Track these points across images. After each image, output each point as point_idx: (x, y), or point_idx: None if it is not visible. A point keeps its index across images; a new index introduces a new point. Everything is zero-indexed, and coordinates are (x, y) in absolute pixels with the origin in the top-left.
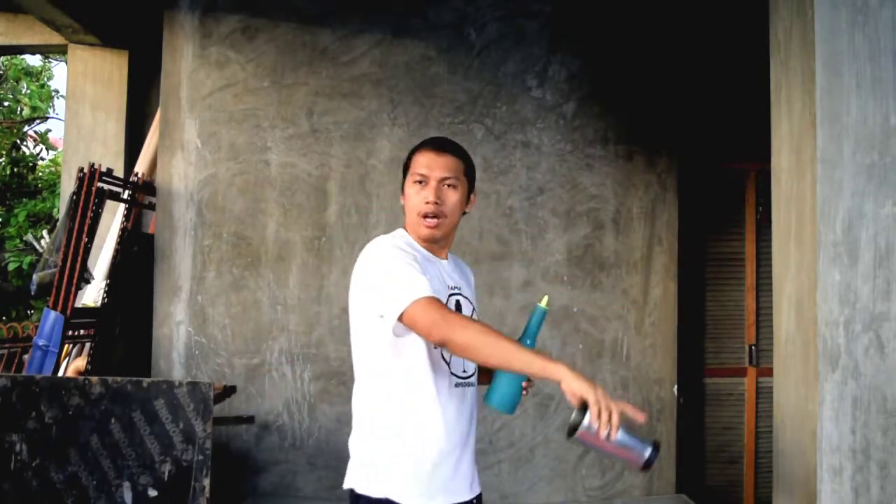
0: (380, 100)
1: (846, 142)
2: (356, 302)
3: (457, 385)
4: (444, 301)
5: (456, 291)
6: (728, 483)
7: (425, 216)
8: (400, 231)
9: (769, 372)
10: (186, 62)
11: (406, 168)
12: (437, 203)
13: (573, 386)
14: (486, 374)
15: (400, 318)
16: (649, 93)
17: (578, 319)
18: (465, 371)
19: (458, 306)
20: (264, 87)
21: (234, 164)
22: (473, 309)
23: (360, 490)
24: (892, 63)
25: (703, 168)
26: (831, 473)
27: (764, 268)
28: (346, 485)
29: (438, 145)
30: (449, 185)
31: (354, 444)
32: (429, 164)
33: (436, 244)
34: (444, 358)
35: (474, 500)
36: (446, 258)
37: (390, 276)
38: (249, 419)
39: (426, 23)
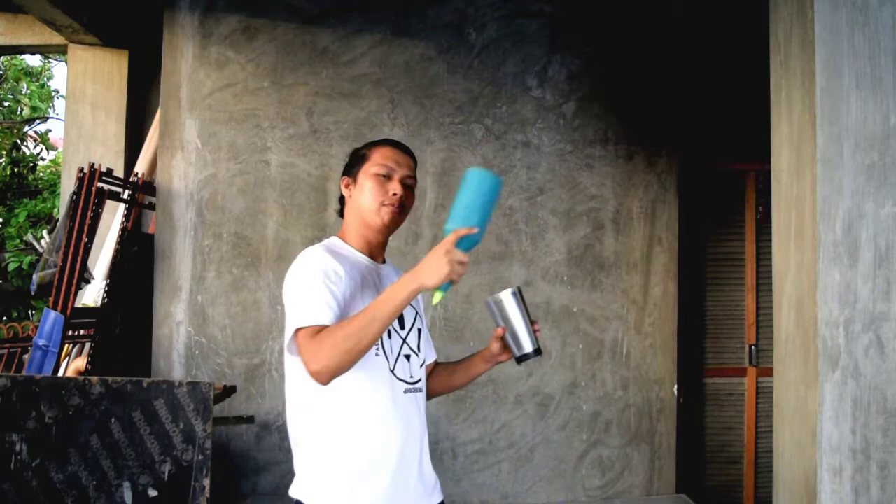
0: (380, 100)
1: (846, 142)
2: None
3: (406, 391)
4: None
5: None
6: (728, 483)
7: (391, 204)
8: (333, 240)
9: (769, 372)
10: (186, 62)
11: (359, 159)
12: (402, 196)
13: (428, 278)
14: (452, 377)
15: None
16: (649, 93)
17: (578, 319)
18: (411, 377)
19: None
20: (264, 87)
21: (234, 164)
22: (417, 314)
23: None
24: (892, 63)
25: (703, 168)
26: (831, 473)
27: (764, 268)
28: (294, 494)
29: (402, 146)
30: (409, 186)
31: (303, 459)
32: (396, 160)
33: (382, 239)
34: (389, 367)
35: None
36: (384, 262)
37: (299, 296)
38: (249, 419)
39: (426, 23)
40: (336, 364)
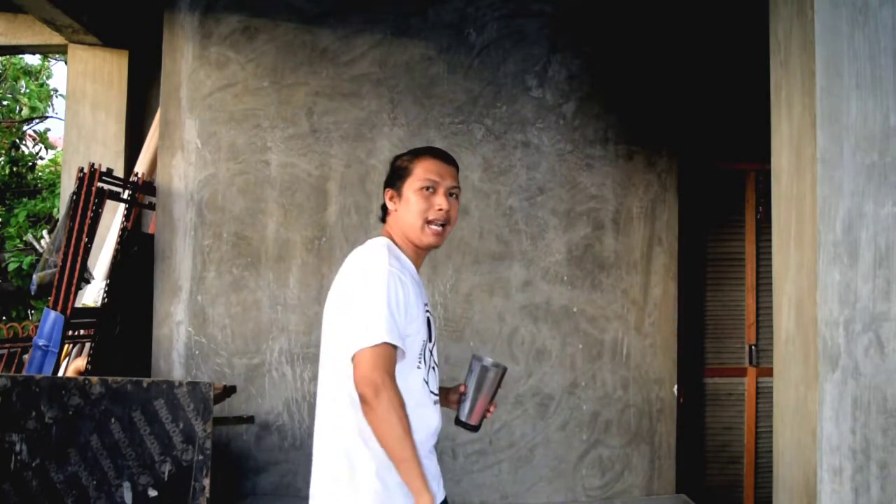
0: (380, 100)
1: (846, 142)
2: (341, 316)
3: (434, 403)
4: (422, 321)
5: (427, 309)
6: (728, 483)
7: (435, 223)
8: (386, 242)
9: (769, 372)
10: (186, 62)
11: (402, 172)
12: (448, 210)
13: None
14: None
15: (358, 386)
16: (649, 93)
17: (578, 319)
18: (433, 392)
19: (429, 324)
20: (264, 87)
21: (234, 164)
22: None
23: None
24: (892, 63)
25: (703, 168)
26: (831, 473)
27: (764, 268)
28: None
29: (444, 156)
30: (453, 195)
31: (357, 469)
32: (439, 172)
33: (424, 254)
34: (424, 379)
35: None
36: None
37: (369, 305)
38: (249, 419)
39: (426, 23)
40: (378, 414)
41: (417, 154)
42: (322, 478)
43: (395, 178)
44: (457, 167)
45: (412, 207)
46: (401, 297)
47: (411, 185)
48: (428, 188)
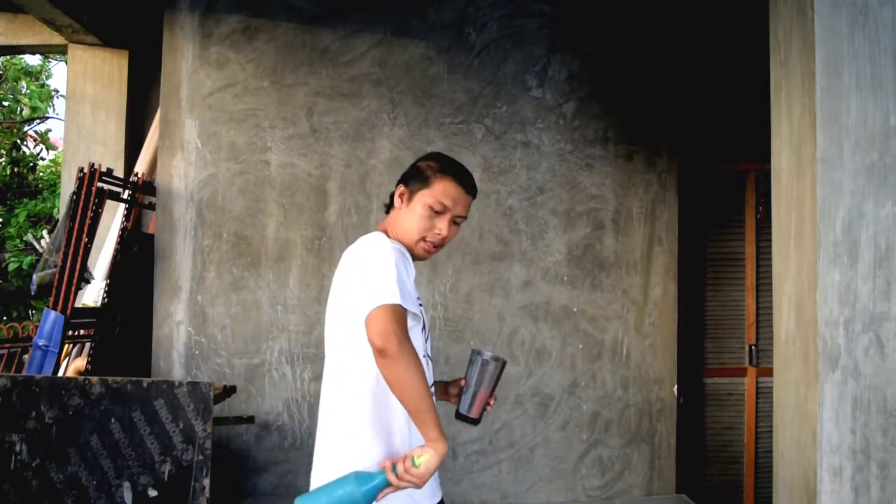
0: (380, 100)
1: (846, 142)
2: (347, 294)
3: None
4: (418, 310)
5: (420, 302)
6: (728, 483)
7: (430, 242)
8: (383, 236)
9: (769, 372)
10: (186, 62)
11: (422, 179)
12: (446, 237)
13: (424, 470)
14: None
15: (371, 338)
16: (649, 93)
17: (578, 319)
18: (430, 383)
19: (423, 316)
20: (264, 87)
21: (234, 164)
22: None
23: None
24: (892, 63)
25: (703, 168)
26: (831, 473)
27: (764, 268)
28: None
29: (468, 184)
30: (457, 223)
31: (347, 442)
32: (455, 199)
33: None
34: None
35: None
36: None
37: (379, 271)
38: (249, 419)
39: (426, 23)
40: (397, 366)
41: (444, 170)
42: (323, 456)
43: (414, 180)
44: (474, 196)
45: (415, 219)
46: (405, 273)
47: (423, 198)
48: (438, 210)
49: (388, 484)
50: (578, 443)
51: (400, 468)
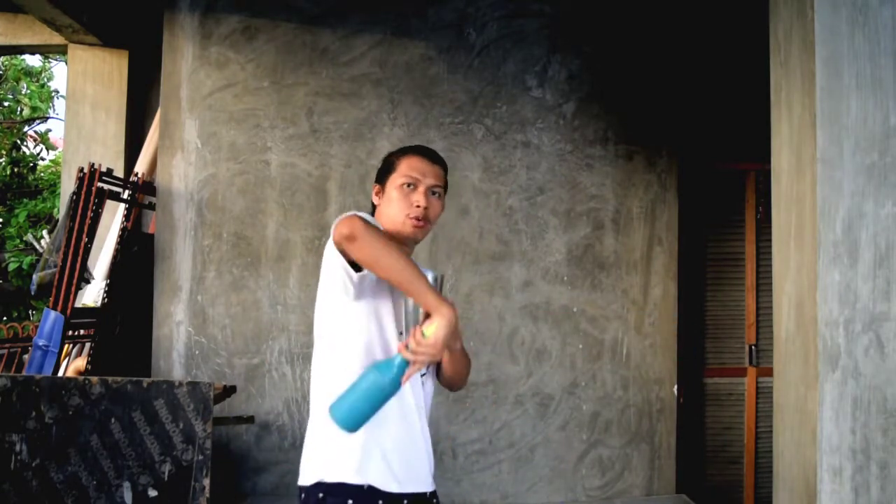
0: (380, 100)
1: (846, 142)
2: (325, 278)
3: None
4: (409, 308)
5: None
6: (728, 483)
7: (413, 217)
8: None
9: (769, 372)
10: (186, 62)
11: (388, 168)
12: (426, 208)
13: (434, 339)
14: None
15: (337, 237)
16: (649, 93)
17: (578, 319)
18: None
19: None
20: (264, 87)
21: (234, 164)
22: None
23: (330, 479)
24: (892, 63)
25: (703, 168)
26: (831, 473)
27: (764, 268)
28: (309, 479)
29: (430, 154)
30: (435, 194)
31: (319, 433)
32: (422, 170)
33: (409, 248)
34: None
35: (430, 494)
36: None
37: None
38: (249, 419)
39: (426, 23)
40: (367, 245)
41: (404, 152)
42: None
43: (382, 173)
44: (444, 167)
45: (393, 203)
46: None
47: (394, 182)
48: (409, 185)
49: (408, 363)
50: (578, 443)
51: (412, 344)
